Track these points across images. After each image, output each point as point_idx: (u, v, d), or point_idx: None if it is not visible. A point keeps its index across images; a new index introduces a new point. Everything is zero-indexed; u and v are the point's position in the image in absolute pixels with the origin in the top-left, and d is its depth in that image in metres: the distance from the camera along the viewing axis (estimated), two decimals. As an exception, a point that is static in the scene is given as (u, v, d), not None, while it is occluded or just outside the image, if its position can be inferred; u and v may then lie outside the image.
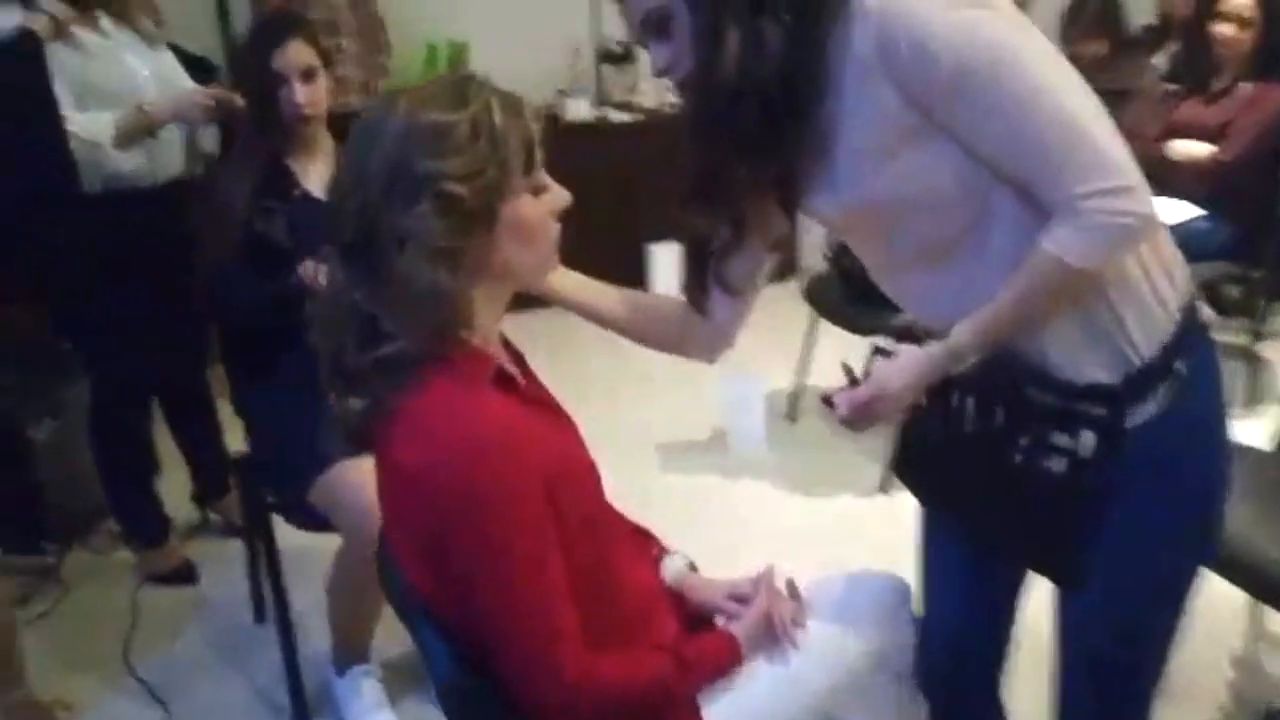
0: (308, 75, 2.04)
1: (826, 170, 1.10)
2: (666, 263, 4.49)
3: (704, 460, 3.15)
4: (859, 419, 1.15)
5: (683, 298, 1.33)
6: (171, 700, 2.16)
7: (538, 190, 1.10)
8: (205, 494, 2.74)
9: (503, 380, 1.08)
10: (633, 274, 4.51)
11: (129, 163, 2.20)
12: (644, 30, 1.12)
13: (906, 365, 1.14)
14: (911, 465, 1.38)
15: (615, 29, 4.64)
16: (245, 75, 2.11)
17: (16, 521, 2.64)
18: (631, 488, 2.98)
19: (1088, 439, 1.10)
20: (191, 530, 2.77)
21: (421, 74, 4.37)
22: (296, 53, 2.03)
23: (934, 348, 1.13)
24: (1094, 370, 1.09)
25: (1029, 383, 1.12)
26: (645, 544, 1.38)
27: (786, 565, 1.36)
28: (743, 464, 3.09)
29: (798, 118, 1.07)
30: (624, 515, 1.39)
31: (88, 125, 2.09)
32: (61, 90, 2.04)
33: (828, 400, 1.19)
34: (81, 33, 2.14)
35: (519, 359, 1.23)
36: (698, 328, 1.34)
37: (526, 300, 1.19)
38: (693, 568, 1.39)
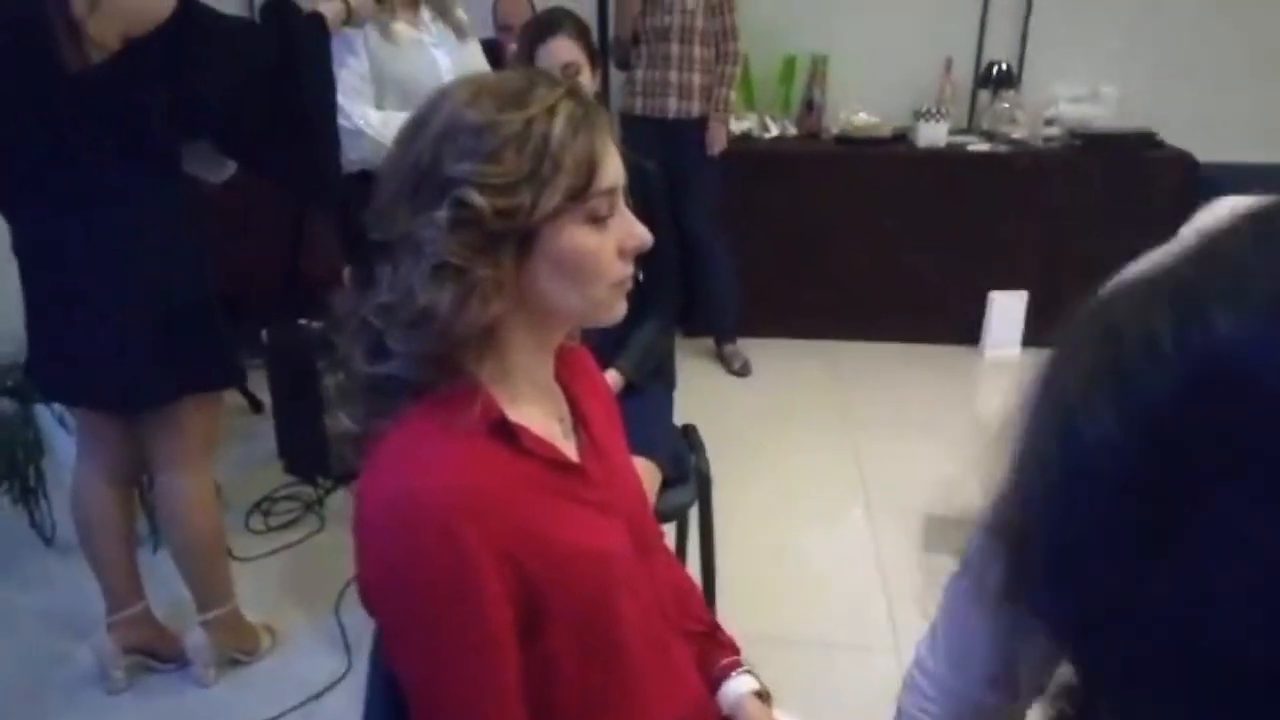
0: (569, 71, 2.01)
1: None
2: (1008, 313, 3.99)
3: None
4: None
5: None
6: (359, 654, 2.27)
7: (597, 220, 0.93)
8: None
9: (499, 430, 0.93)
10: (969, 321, 4.07)
11: None
12: None
13: None
14: None
15: (1000, 48, 4.20)
16: (514, 69, 2.14)
17: (305, 454, 2.95)
18: (878, 554, 2.75)
19: None
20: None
21: (777, 85, 4.28)
22: (559, 48, 2.02)
23: None
24: None
25: None
26: (711, 653, 1.16)
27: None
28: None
29: None
30: (700, 616, 1.19)
31: (380, 127, 2.18)
32: (359, 80, 2.18)
33: None
34: (402, 26, 2.28)
35: (588, 410, 1.07)
36: None
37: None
38: (763, 696, 1.14)
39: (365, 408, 0.95)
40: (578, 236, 0.91)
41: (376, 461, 0.91)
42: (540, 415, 1.00)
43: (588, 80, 2.05)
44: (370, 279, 0.94)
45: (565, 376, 1.07)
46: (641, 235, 0.97)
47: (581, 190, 0.90)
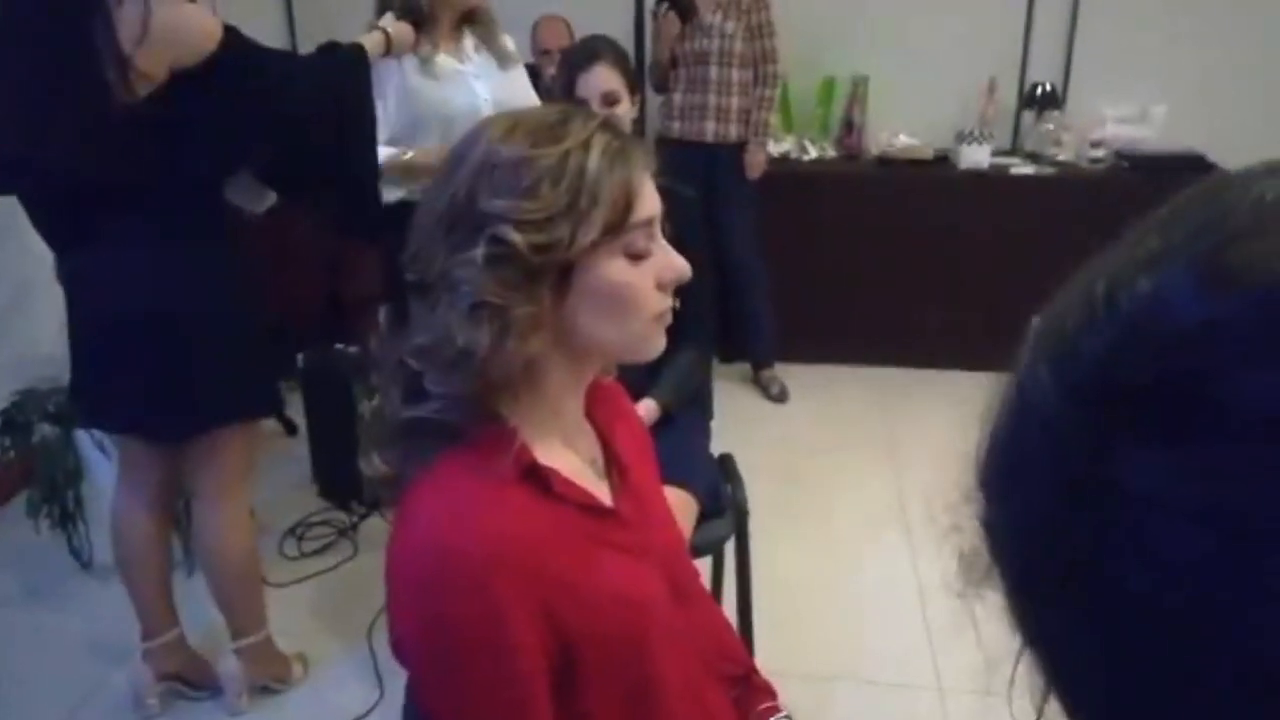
0: (609, 100, 2.00)
1: None
2: (1052, 339, 3.91)
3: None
4: None
5: None
6: (390, 683, 2.25)
7: (635, 255, 0.91)
8: None
9: (531, 476, 0.90)
10: (1012, 347, 3.97)
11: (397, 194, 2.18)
12: None
13: None
14: None
15: (1044, 68, 4.14)
16: (553, 98, 2.13)
17: (339, 479, 2.95)
18: (920, 588, 2.68)
19: None
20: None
21: (816, 107, 4.25)
22: (599, 77, 2.00)
23: None
24: None
25: None
26: (748, 698, 1.12)
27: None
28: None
29: None
30: (737, 658, 1.15)
31: (383, 162, 2.12)
32: (387, 112, 2.16)
33: None
34: (443, 58, 2.26)
35: (620, 449, 1.04)
36: None
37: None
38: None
39: (401, 451, 0.93)
40: (615, 270, 0.90)
41: (409, 512, 0.90)
42: (573, 457, 0.98)
43: (627, 109, 2.03)
44: (406, 319, 0.93)
45: (596, 414, 1.05)
46: (679, 267, 0.95)
47: (618, 223, 0.88)
